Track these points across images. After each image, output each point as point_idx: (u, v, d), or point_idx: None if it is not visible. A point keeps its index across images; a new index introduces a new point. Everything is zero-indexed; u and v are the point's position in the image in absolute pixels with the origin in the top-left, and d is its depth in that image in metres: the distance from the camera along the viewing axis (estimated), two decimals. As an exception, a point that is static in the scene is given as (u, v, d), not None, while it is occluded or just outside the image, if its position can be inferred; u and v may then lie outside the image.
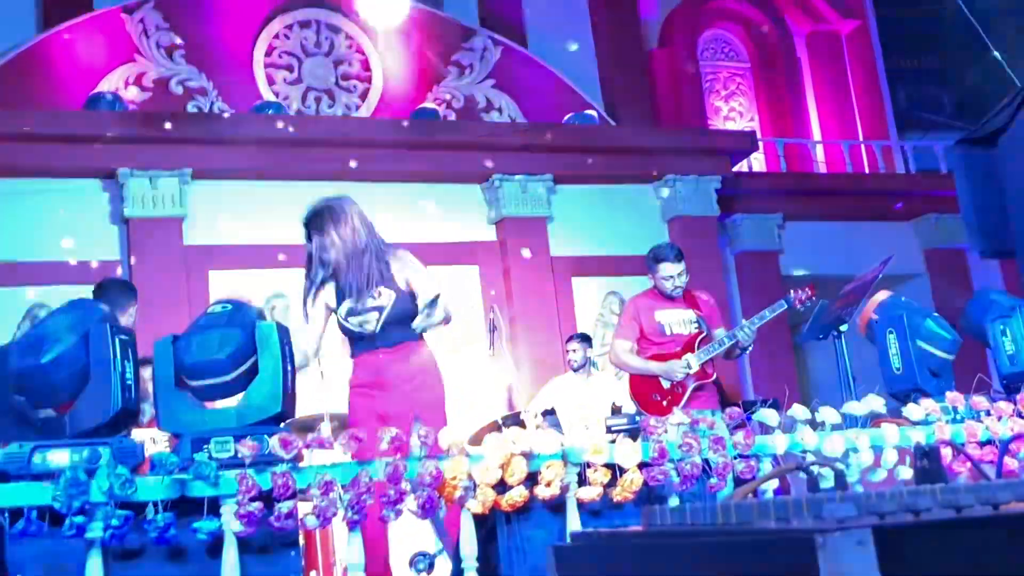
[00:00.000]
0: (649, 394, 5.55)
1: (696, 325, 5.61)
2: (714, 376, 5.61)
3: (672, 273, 5.58)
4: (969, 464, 4.20)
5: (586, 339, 7.50)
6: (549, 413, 6.52)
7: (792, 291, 5.72)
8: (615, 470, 4.08)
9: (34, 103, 8.17)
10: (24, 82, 8.28)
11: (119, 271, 7.94)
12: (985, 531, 1.24)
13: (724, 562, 1.26)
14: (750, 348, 5.71)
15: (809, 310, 5.81)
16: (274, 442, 3.63)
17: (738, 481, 4.15)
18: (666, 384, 5.53)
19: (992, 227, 6.91)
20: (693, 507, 1.46)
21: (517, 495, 3.94)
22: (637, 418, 4.82)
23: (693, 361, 5.49)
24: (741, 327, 5.57)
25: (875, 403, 4.59)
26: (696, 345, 5.55)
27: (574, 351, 7.30)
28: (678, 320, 5.63)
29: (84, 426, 3.61)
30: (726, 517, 1.36)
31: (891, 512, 1.25)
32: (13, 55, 8.35)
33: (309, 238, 4.61)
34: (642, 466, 4.10)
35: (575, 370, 7.30)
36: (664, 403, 5.45)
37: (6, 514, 3.44)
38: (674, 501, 4.15)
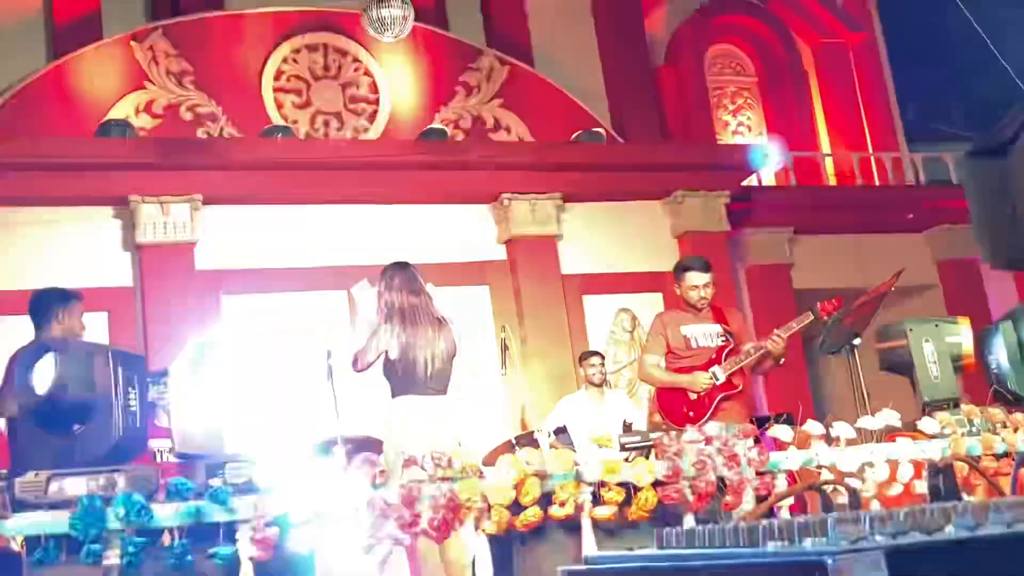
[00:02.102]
0: (678, 407, 5.57)
1: (723, 338, 5.64)
2: (740, 387, 5.62)
3: (699, 283, 5.64)
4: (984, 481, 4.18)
5: (601, 356, 7.53)
6: (561, 431, 6.50)
7: (819, 302, 5.73)
8: (629, 489, 4.08)
9: (45, 132, 8.22)
10: (35, 111, 8.34)
11: (133, 297, 7.99)
12: (1000, 550, 1.23)
13: (737, 585, 1.26)
14: (783, 359, 5.73)
15: (833, 322, 5.81)
16: (288, 466, 3.64)
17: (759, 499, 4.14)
18: (693, 396, 5.55)
19: (1003, 238, 6.89)
20: (705, 529, 1.46)
21: (532, 515, 3.94)
22: (652, 435, 4.81)
23: (719, 372, 5.51)
24: (769, 338, 5.58)
25: (890, 417, 4.58)
26: (723, 357, 5.57)
27: (593, 366, 7.30)
28: (704, 333, 5.65)
29: (91, 453, 3.64)
30: (737, 539, 1.36)
31: (904, 532, 1.25)
32: (24, 84, 8.41)
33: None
34: (657, 484, 4.09)
35: (596, 385, 7.29)
36: (691, 414, 5.47)
37: (24, 542, 3.46)
38: (689, 520, 4.14)
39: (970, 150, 6.91)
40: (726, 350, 5.60)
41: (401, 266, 5.19)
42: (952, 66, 13.22)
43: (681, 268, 5.79)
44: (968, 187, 6.97)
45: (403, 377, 4.89)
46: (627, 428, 6.11)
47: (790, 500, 4.39)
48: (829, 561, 1.12)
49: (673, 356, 5.67)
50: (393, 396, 4.93)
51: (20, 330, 7.52)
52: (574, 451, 4.72)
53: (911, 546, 1.20)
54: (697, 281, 5.65)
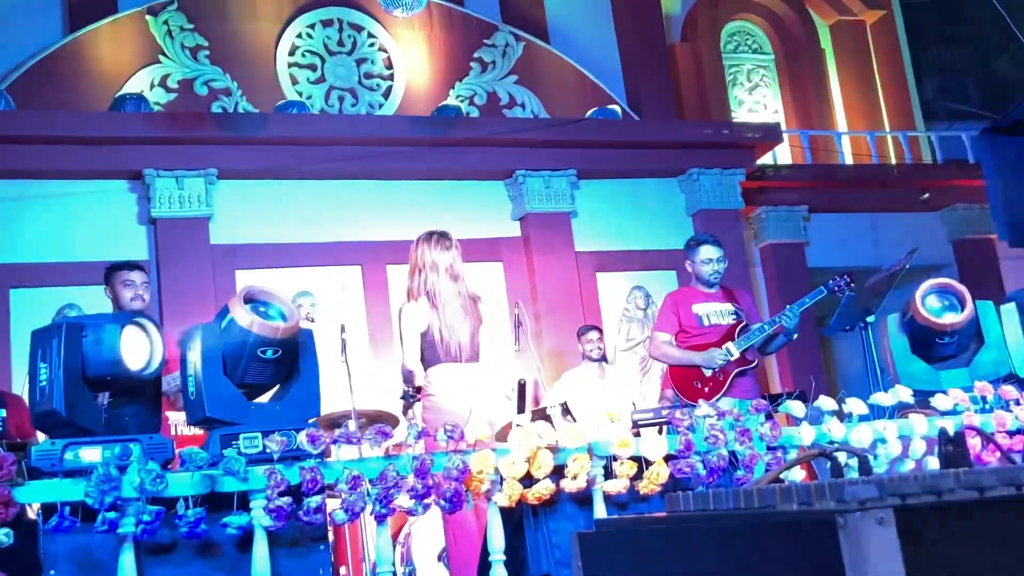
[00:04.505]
0: (691, 382, 5.58)
1: (734, 316, 5.65)
2: (755, 362, 5.63)
3: (712, 256, 5.65)
4: (998, 453, 4.17)
5: (599, 330, 7.55)
6: (562, 407, 6.51)
7: (832, 279, 5.73)
8: (641, 463, 4.09)
9: (61, 105, 8.24)
10: (51, 85, 8.35)
11: (147, 271, 8.01)
12: (1007, 512, 1.24)
13: (747, 545, 1.26)
14: (795, 336, 5.73)
15: (846, 299, 5.80)
16: (302, 437, 3.67)
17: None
18: (707, 372, 5.55)
19: (1020, 216, 6.86)
20: (715, 492, 1.47)
21: (544, 488, 3.96)
22: (663, 411, 4.82)
23: (733, 348, 5.52)
24: (782, 313, 5.59)
25: (903, 394, 4.57)
26: (736, 333, 5.58)
27: (591, 341, 7.32)
28: (715, 312, 5.67)
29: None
30: (748, 502, 1.36)
31: (913, 494, 1.25)
32: (40, 58, 8.43)
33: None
34: (668, 458, 4.10)
35: (594, 360, 7.31)
36: (706, 390, 5.48)
37: (40, 510, 3.49)
38: (701, 493, 4.15)
39: (988, 128, 6.87)
40: (739, 327, 5.62)
41: (446, 247, 5.22)
42: (970, 44, 13.13)
43: (694, 242, 5.80)
44: (986, 165, 6.95)
45: (440, 351, 4.95)
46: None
47: (802, 473, 4.39)
48: (839, 520, 1.13)
49: (685, 334, 5.68)
50: (428, 366, 4.97)
51: (37, 302, 7.62)
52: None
53: (920, 506, 1.21)
54: (712, 254, 5.65)
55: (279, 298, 3.90)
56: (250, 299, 3.82)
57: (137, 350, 3.68)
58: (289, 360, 3.87)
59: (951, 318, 4.86)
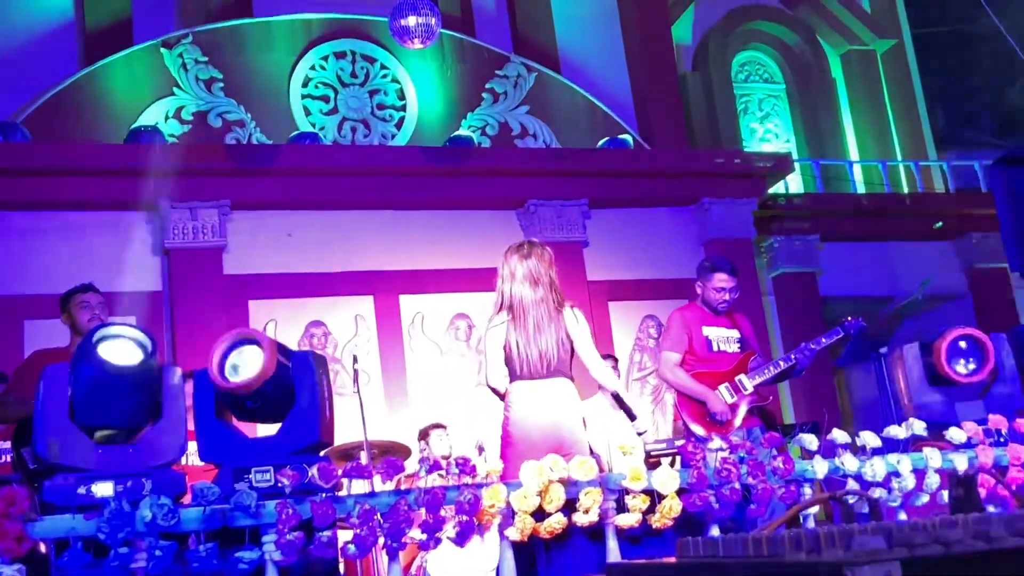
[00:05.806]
0: (704, 415, 5.41)
1: (739, 345, 5.55)
2: (770, 399, 5.57)
3: (726, 285, 5.53)
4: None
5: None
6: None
7: (846, 319, 5.65)
8: (654, 496, 4.07)
9: (76, 138, 8.31)
10: (66, 117, 8.43)
11: (161, 301, 8.07)
12: (1015, 563, 1.23)
13: (755, 595, 1.26)
14: (803, 373, 5.67)
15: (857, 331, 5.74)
16: (314, 471, 3.67)
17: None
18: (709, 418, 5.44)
19: (1033, 246, 6.83)
20: (725, 539, 1.47)
21: (556, 522, 3.94)
22: (676, 442, 4.80)
23: (747, 382, 5.43)
24: (800, 350, 5.50)
25: (916, 427, 4.54)
26: (748, 367, 5.48)
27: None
28: (725, 338, 5.56)
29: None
30: (757, 549, 1.36)
31: (921, 544, 1.25)
32: (56, 91, 8.51)
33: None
34: (681, 492, 4.08)
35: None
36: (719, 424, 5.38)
37: (52, 544, 3.50)
38: (715, 529, 4.13)
39: (1000, 157, 6.86)
40: (751, 359, 5.53)
41: (525, 255, 5.06)
42: (981, 73, 13.14)
43: (709, 267, 5.64)
44: (998, 195, 6.93)
45: (519, 364, 4.77)
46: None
47: (815, 510, 4.36)
48: (848, 573, 1.13)
49: (692, 356, 5.52)
50: (512, 380, 4.79)
51: (52, 334, 7.65)
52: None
53: (928, 558, 1.20)
54: (725, 283, 5.54)
55: (249, 339, 3.85)
56: (222, 361, 3.82)
57: (123, 349, 3.69)
58: (284, 393, 3.86)
59: (974, 376, 4.82)
